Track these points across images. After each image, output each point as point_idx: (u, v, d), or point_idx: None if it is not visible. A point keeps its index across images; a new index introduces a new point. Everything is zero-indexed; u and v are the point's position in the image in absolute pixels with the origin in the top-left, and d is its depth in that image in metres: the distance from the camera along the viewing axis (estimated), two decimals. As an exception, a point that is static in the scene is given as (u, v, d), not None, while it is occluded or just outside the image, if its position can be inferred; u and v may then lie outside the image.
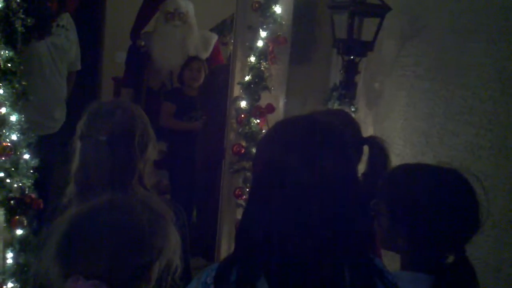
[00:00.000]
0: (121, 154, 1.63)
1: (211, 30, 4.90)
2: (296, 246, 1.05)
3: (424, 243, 1.36)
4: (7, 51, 2.36)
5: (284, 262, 1.06)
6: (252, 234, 1.10)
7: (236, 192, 2.95)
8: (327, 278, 1.05)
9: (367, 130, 2.81)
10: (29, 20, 2.42)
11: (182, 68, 4.21)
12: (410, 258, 1.40)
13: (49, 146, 3.40)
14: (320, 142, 1.09)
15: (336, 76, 2.95)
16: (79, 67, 3.74)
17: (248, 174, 2.91)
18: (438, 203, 1.35)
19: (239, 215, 3.01)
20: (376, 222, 1.44)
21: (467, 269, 1.35)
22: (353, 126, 1.94)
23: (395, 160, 2.63)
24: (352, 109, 2.71)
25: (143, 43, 4.60)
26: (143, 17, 4.77)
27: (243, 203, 2.95)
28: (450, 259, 1.38)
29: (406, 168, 1.50)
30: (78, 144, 1.67)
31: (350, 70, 2.65)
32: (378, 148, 1.12)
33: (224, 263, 1.14)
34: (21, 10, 2.39)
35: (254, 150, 2.91)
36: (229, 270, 1.09)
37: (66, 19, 3.50)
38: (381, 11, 2.56)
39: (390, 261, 1.54)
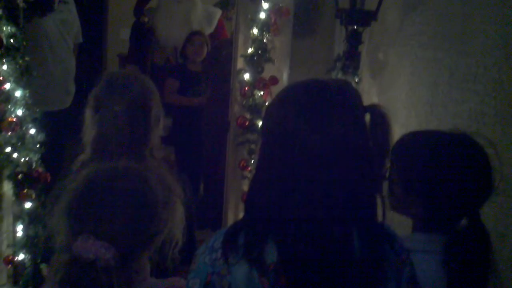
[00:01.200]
0: (138, 125, 1.67)
1: (215, 5, 4.86)
2: (305, 209, 1.05)
3: (437, 206, 1.37)
4: (9, 27, 2.38)
5: (293, 225, 1.05)
6: (261, 198, 1.10)
7: (241, 164, 2.97)
8: (336, 242, 1.05)
9: (372, 100, 2.81)
10: (30, -4, 2.43)
11: (184, 43, 4.18)
12: (423, 222, 1.41)
13: (62, 121, 3.44)
14: (332, 106, 1.09)
15: (339, 47, 2.94)
16: (81, 40, 3.76)
17: (253, 146, 2.92)
18: (450, 166, 1.35)
19: (245, 187, 3.03)
20: (388, 188, 1.44)
21: (480, 231, 1.35)
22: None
23: (400, 130, 2.62)
24: (356, 80, 2.70)
25: (147, 19, 4.59)
26: (147, -7, 4.75)
27: (249, 175, 2.97)
28: (464, 223, 1.38)
29: (417, 134, 1.50)
30: (91, 114, 1.69)
31: (354, 40, 2.62)
32: (380, 116, 1.12)
33: (232, 228, 1.14)
34: (22, -14, 2.40)
35: (258, 122, 2.92)
36: (237, 234, 1.09)
37: None
38: (384, -20, 2.53)
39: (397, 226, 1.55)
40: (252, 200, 1.14)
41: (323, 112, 1.08)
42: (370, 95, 2.80)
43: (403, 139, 1.49)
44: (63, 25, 3.44)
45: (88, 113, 1.70)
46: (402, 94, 2.67)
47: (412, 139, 1.48)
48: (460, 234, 1.35)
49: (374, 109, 1.16)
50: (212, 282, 1.08)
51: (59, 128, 3.36)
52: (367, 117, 1.73)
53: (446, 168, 1.35)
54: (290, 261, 1.05)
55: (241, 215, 3.05)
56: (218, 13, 4.58)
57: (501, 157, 2.01)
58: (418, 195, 1.38)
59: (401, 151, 1.43)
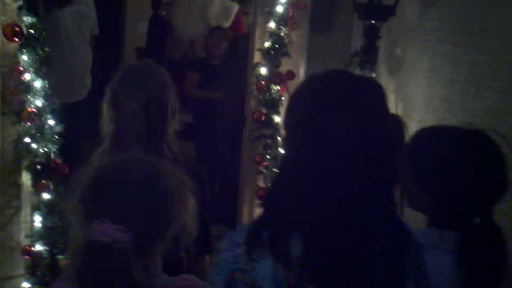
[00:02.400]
0: (155, 119, 1.68)
1: (232, -1, 4.87)
2: (329, 203, 1.05)
3: (450, 203, 1.36)
4: (29, 17, 2.39)
5: (318, 219, 1.05)
6: (285, 192, 1.10)
7: (257, 159, 2.97)
8: (359, 236, 1.05)
9: (389, 97, 2.78)
10: (50, -13, 2.44)
11: (206, 38, 4.22)
12: (437, 218, 1.40)
13: (78, 113, 3.48)
14: (358, 99, 1.07)
15: (357, 42, 2.91)
16: (97, 32, 3.79)
17: (269, 141, 2.92)
18: (464, 163, 1.34)
19: (260, 182, 3.03)
20: (402, 184, 1.43)
21: (494, 229, 1.34)
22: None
23: (417, 126, 2.60)
24: (373, 75, 2.68)
25: (164, 13, 4.62)
26: (165, -14, 4.78)
27: (264, 170, 2.97)
28: (477, 220, 1.37)
29: (430, 130, 1.49)
30: (108, 107, 1.71)
31: (371, 35, 2.60)
32: (396, 124, 1.10)
33: (255, 223, 1.13)
34: (43, -23, 2.42)
35: (274, 117, 2.92)
36: (261, 229, 1.09)
37: None
38: (403, -26, 2.51)
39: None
40: (277, 194, 1.14)
41: (348, 104, 1.06)
42: (387, 91, 2.78)
43: (417, 135, 1.48)
44: (80, 16, 3.46)
45: (106, 107, 1.71)
46: (420, 90, 2.65)
47: (426, 135, 1.47)
48: (473, 232, 1.34)
49: (391, 117, 1.15)
50: (235, 278, 1.08)
51: (74, 119, 3.39)
52: None
53: (460, 164, 1.34)
54: (315, 254, 1.05)
55: (256, 210, 3.06)
56: (235, 7, 4.59)
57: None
58: (431, 191, 1.38)
59: (415, 147, 1.42)
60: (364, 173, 1.05)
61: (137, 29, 5.59)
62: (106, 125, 1.71)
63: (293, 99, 1.16)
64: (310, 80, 1.16)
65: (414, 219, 1.48)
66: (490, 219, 1.34)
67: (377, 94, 1.12)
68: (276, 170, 2.93)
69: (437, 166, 1.37)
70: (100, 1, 3.81)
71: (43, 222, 2.59)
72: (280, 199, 1.12)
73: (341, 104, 1.07)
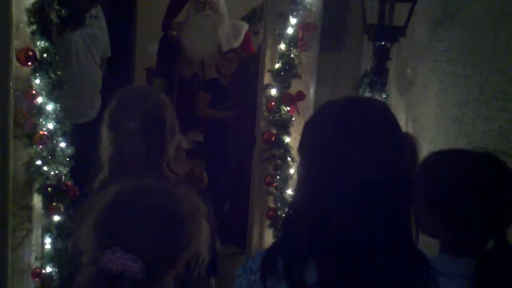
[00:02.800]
0: (154, 140, 1.68)
1: (242, 19, 4.90)
2: (345, 229, 1.04)
3: (462, 227, 1.35)
4: (43, 42, 2.42)
5: (334, 245, 1.05)
6: (301, 218, 1.09)
7: (267, 180, 2.96)
8: (375, 263, 1.04)
9: (399, 117, 2.78)
10: (63, 11, 2.47)
11: (218, 59, 4.27)
12: (450, 243, 1.39)
13: (87, 133, 3.50)
14: (374, 125, 1.08)
15: (367, 63, 2.92)
16: (109, 54, 3.83)
17: (279, 161, 2.92)
18: (474, 186, 1.33)
19: (270, 203, 3.02)
20: (413, 209, 1.42)
21: (509, 253, 1.32)
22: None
23: (428, 146, 2.60)
24: (384, 96, 2.68)
25: (174, 33, 4.65)
26: (175, 7, 4.82)
27: (274, 191, 2.96)
28: (491, 243, 1.36)
29: (441, 153, 1.48)
30: (107, 131, 1.71)
31: (381, 56, 2.60)
32: (409, 145, 1.11)
33: (270, 249, 1.13)
34: (56, 2, 2.45)
35: (284, 138, 2.92)
36: (276, 256, 1.09)
37: (96, 8, 3.58)
38: (413, -4, 2.51)
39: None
40: (292, 220, 1.13)
41: (366, 131, 1.07)
42: (397, 112, 2.78)
43: (428, 159, 1.47)
44: (91, 39, 3.50)
45: (104, 131, 1.71)
46: (430, 111, 2.64)
47: (437, 159, 1.46)
48: (488, 256, 1.33)
49: (404, 137, 1.15)
50: None
51: (84, 140, 3.41)
52: None
53: (471, 188, 1.33)
54: (331, 282, 1.04)
55: (266, 231, 3.04)
56: (245, 27, 4.62)
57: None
58: (443, 216, 1.37)
59: (426, 171, 1.41)
60: (381, 198, 1.05)
61: (147, 49, 5.64)
62: (106, 149, 1.71)
63: (308, 125, 1.17)
64: (326, 107, 1.17)
65: (425, 243, 1.46)
66: (504, 243, 1.33)
67: (390, 118, 1.13)
68: (287, 192, 2.92)
69: (446, 190, 1.36)
70: (111, 22, 3.85)
71: (53, 244, 2.59)
72: (295, 225, 1.11)
73: (356, 130, 1.07)
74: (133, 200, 1.20)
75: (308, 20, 2.84)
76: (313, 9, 2.84)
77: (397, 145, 1.09)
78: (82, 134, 3.34)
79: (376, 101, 1.19)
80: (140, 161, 1.66)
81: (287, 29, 2.82)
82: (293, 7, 2.79)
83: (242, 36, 4.58)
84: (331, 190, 1.06)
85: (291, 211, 1.17)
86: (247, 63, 4.10)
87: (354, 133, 1.07)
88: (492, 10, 2.29)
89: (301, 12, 2.80)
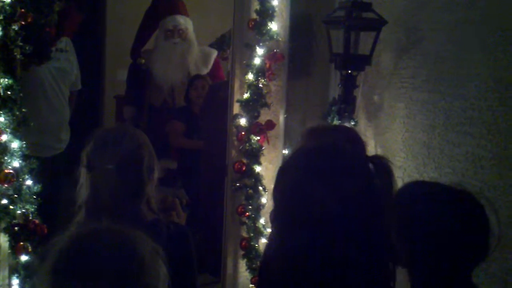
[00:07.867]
0: (131, 181, 1.68)
1: (211, 45, 4.91)
2: (323, 272, 1.05)
3: (425, 263, 1.35)
4: (6, 79, 2.39)
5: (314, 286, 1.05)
6: (277, 262, 1.10)
7: (239, 210, 2.95)
8: None
9: (368, 143, 2.81)
10: (27, 48, 2.44)
11: (187, 87, 4.25)
12: (415, 278, 1.39)
13: (55, 167, 3.44)
14: (346, 172, 1.10)
15: (335, 90, 2.95)
16: (79, 87, 3.79)
17: (250, 191, 2.91)
18: (447, 224, 1.34)
19: (243, 233, 3.00)
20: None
21: None
22: (359, 143, 1.95)
23: (398, 172, 2.62)
24: (352, 123, 2.71)
25: (143, 61, 4.63)
26: (143, 35, 4.81)
27: (246, 221, 2.95)
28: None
29: (415, 186, 1.49)
30: (84, 173, 1.70)
31: (348, 84, 2.65)
32: (383, 168, 1.12)
33: None
34: (20, 38, 2.41)
35: (255, 167, 2.91)
36: None
37: (65, 41, 3.55)
38: (377, 25, 2.56)
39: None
40: (268, 264, 1.15)
41: (337, 178, 1.09)
42: (366, 138, 2.81)
43: (400, 189, 1.48)
44: (59, 73, 3.46)
45: (82, 172, 1.70)
46: (399, 137, 2.68)
47: (408, 189, 1.47)
48: None
49: (377, 161, 1.16)
50: None
51: (52, 174, 3.35)
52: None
53: (443, 225, 1.34)
54: None
55: (240, 261, 3.02)
56: (214, 53, 4.63)
57: (497, 200, 2.01)
58: (406, 246, 1.37)
59: (396, 202, 1.42)
60: (357, 241, 1.06)
61: (117, 77, 5.60)
62: (82, 192, 1.69)
63: (282, 172, 1.20)
64: (299, 154, 1.21)
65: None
66: (470, 284, 1.34)
67: (363, 157, 1.16)
68: (260, 221, 2.91)
69: (419, 224, 1.37)
70: (79, 50, 3.81)
71: (21, 286, 2.51)
72: (272, 268, 1.12)
73: (328, 176, 1.10)
74: (88, 245, 1.17)
75: (275, 50, 2.86)
76: (280, 39, 2.87)
77: (370, 184, 1.11)
78: (50, 168, 3.31)
79: (347, 144, 1.21)
80: (117, 202, 1.66)
81: (254, 59, 2.83)
82: (259, 37, 2.81)
83: (211, 63, 4.58)
84: (307, 235, 1.07)
85: (267, 255, 1.17)
86: (217, 90, 4.10)
87: (326, 179, 1.09)
88: (453, 38, 2.35)
89: (267, 42, 2.82)
